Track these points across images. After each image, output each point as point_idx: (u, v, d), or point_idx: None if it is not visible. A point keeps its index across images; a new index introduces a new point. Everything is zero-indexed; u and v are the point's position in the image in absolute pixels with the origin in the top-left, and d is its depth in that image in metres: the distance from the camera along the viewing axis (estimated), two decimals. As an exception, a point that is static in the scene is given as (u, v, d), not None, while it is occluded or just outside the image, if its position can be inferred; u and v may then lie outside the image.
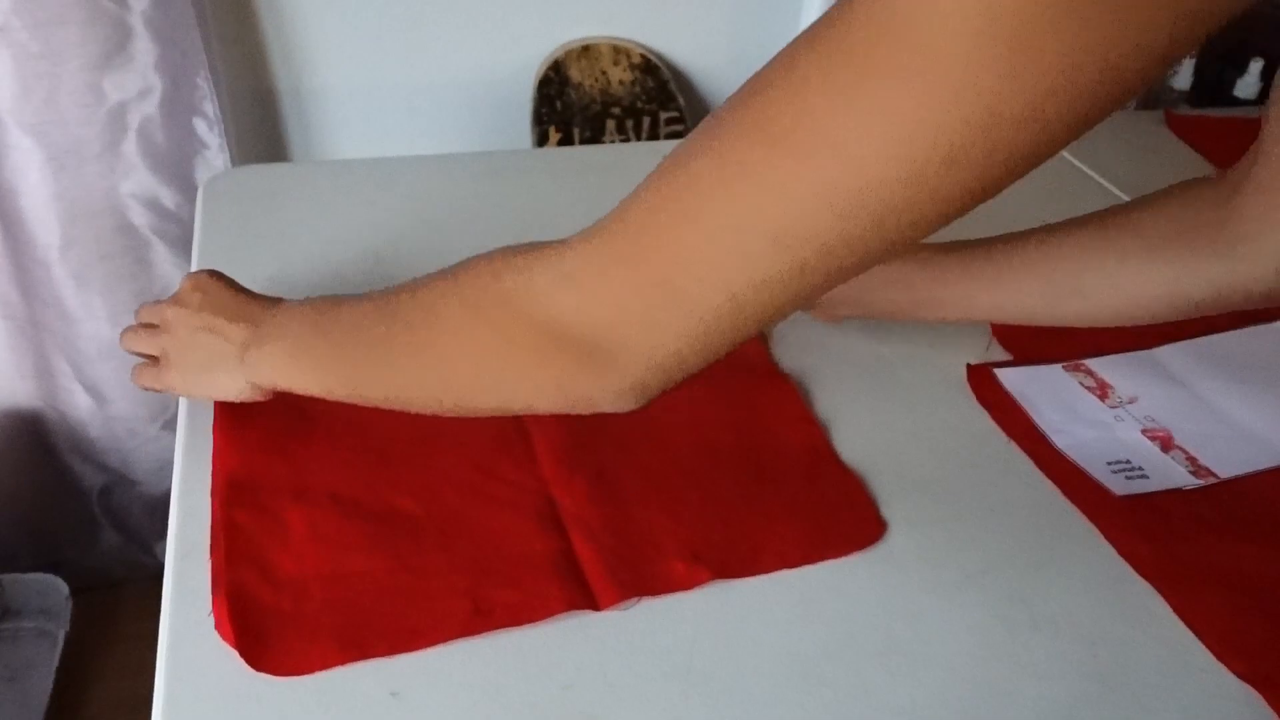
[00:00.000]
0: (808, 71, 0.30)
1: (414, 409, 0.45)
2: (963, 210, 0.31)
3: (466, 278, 0.42)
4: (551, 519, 0.51)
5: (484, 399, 0.42)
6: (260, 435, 0.54)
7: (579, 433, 0.56)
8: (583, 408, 0.40)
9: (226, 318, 0.52)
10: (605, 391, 0.38)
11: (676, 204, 0.33)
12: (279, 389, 0.50)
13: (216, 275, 0.55)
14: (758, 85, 0.32)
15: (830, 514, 0.54)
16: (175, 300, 0.54)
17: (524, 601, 0.47)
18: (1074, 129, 0.28)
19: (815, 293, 0.34)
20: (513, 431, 0.56)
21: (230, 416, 0.55)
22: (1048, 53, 0.26)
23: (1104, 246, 0.54)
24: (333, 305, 0.49)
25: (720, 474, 0.55)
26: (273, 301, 0.53)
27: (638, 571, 0.49)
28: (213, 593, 0.46)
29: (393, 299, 0.45)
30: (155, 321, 0.56)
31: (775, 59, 0.32)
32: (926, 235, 0.32)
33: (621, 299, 0.36)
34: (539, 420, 0.56)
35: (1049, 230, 0.56)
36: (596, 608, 0.48)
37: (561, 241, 0.38)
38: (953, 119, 0.27)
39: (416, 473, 0.53)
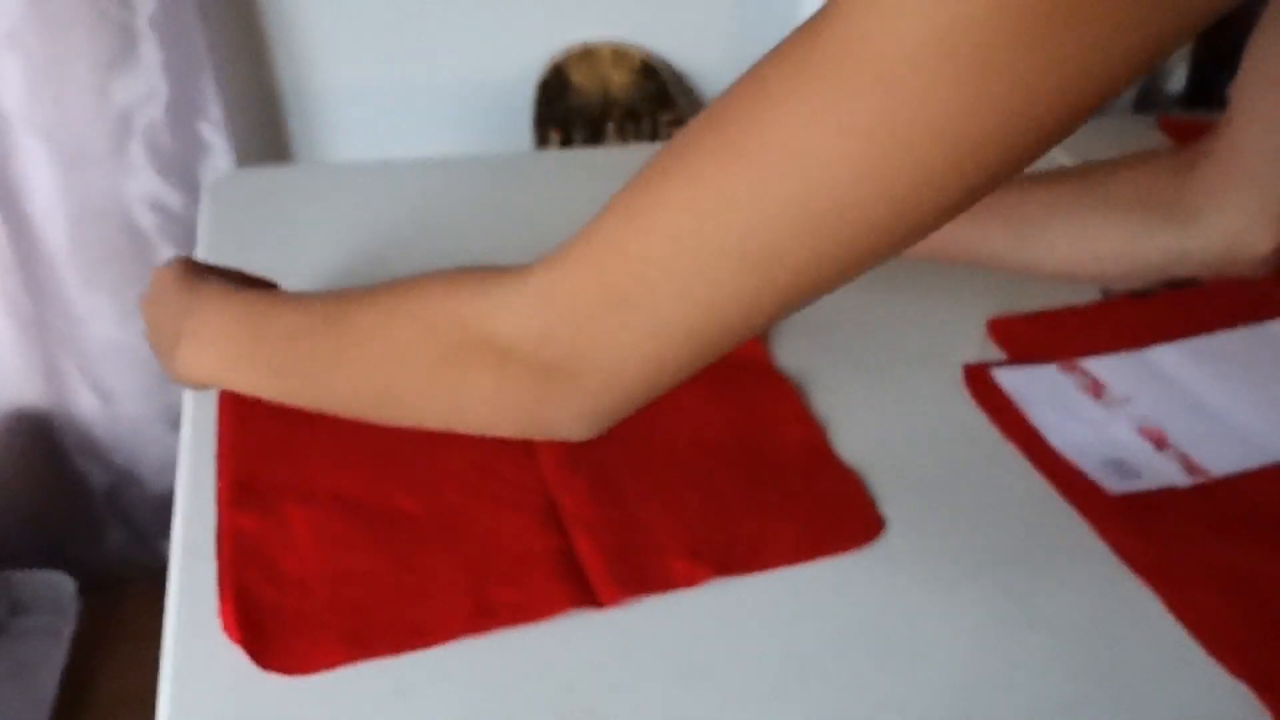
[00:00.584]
0: (774, 87, 0.30)
1: (356, 418, 0.46)
2: (938, 224, 0.30)
3: (421, 296, 0.41)
4: (552, 518, 0.52)
5: (435, 419, 0.42)
6: (264, 435, 0.55)
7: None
8: (541, 432, 0.39)
9: (165, 312, 0.51)
10: (564, 414, 0.37)
11: (641, 220, 0.32)
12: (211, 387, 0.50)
13: (182, 262, 0.54)
14: (725, 101, 0.31)
15: (828, 511, 0.54)
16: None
17: (527, 600, 0.48)
18: (1041, 145, 0.28)
19: (789, 310, 0.33)
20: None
21: (234, 416, 0.55)
22: (1008, 73, 0.26)
23: (1072, 201, 0.55)
24: (268, 305, 0.47)
25: (720, 473, 0.56)
26: (222, 291, 0.51)
27: (639, 569, 0.50)
28: (219, 593, 0.46)
29: (338, 309, 0.44)
30: None
31: (743, 75, 0.32)
32: (903, 250, 0.31)
33: (583, 318, 0.34)
34: None
35: (1025, 178, 0.57)
36: (599, 605, 0.48)
37: (521, 265, 0.38)
38: (918, 137, 0.27)
39: (418, 472, 0.54)
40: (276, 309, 0.47)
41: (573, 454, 0.55)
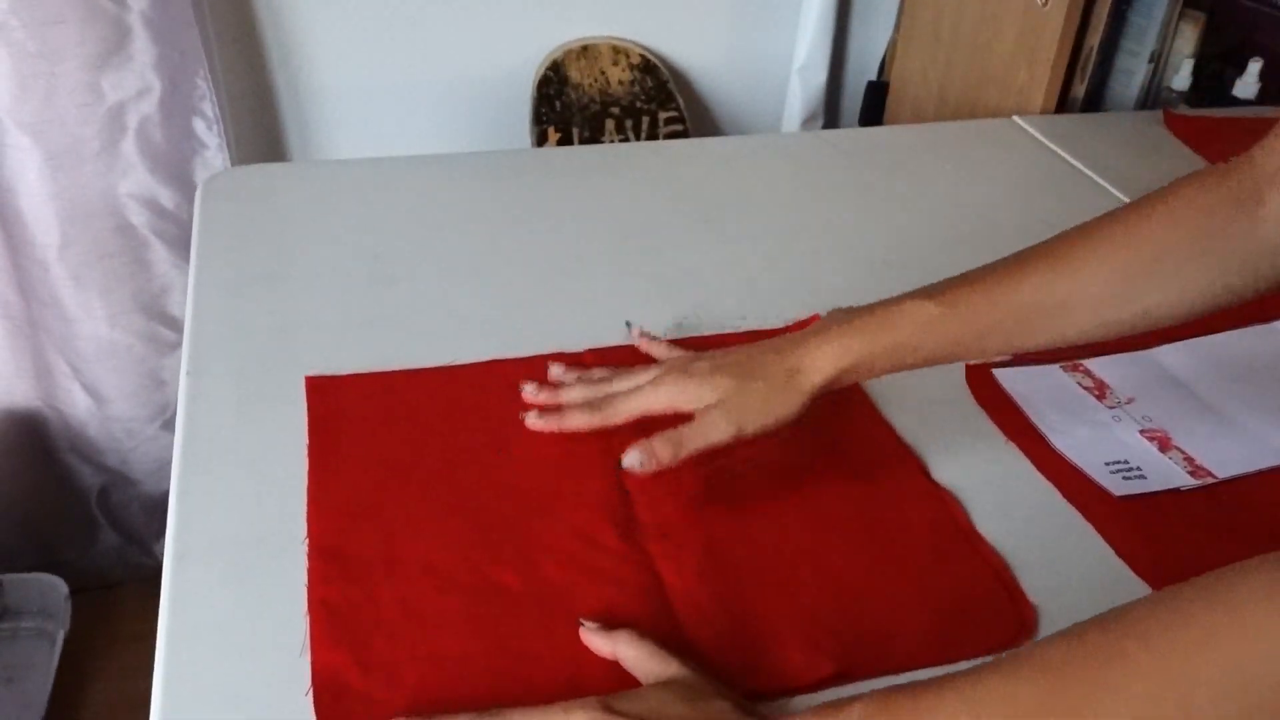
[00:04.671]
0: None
1: None
2: None
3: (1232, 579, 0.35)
4: (659, 598, 0.48)
5: None
6: (351, 497, 0.52)
7: (684, 500, 0.53)
8: None
9: None
10: None
11: None
12: None
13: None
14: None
15: (970, 601, 0.49)
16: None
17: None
18: None
19: None
20: (615, 495, 0.53)
21: (322, 479, 0.53)
22: None
23: (1114, 270, 0.51)
24: (911, 698, 0.37)
25: (841, 552, 0.51)
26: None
27: (752, 662, 0.45)
28: (312, 674, 0.44)
29: (1073, 639, 0.36)
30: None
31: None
32: None
33: None
34: (641, 484, 0.54)
35: (1036, 260, 0.53)
36: None
37: None
38: None
39: (513, 540, 0.51)
40: (931, 697, 0.37)
41: (679, 525, 0.52)
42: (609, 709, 0.41)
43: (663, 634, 0.46)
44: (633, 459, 0.51)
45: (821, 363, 0.52)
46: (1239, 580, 0.33)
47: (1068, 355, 0.67)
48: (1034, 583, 0.51)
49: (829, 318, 0.55)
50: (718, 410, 0.51)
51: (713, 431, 0.51)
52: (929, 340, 0.52)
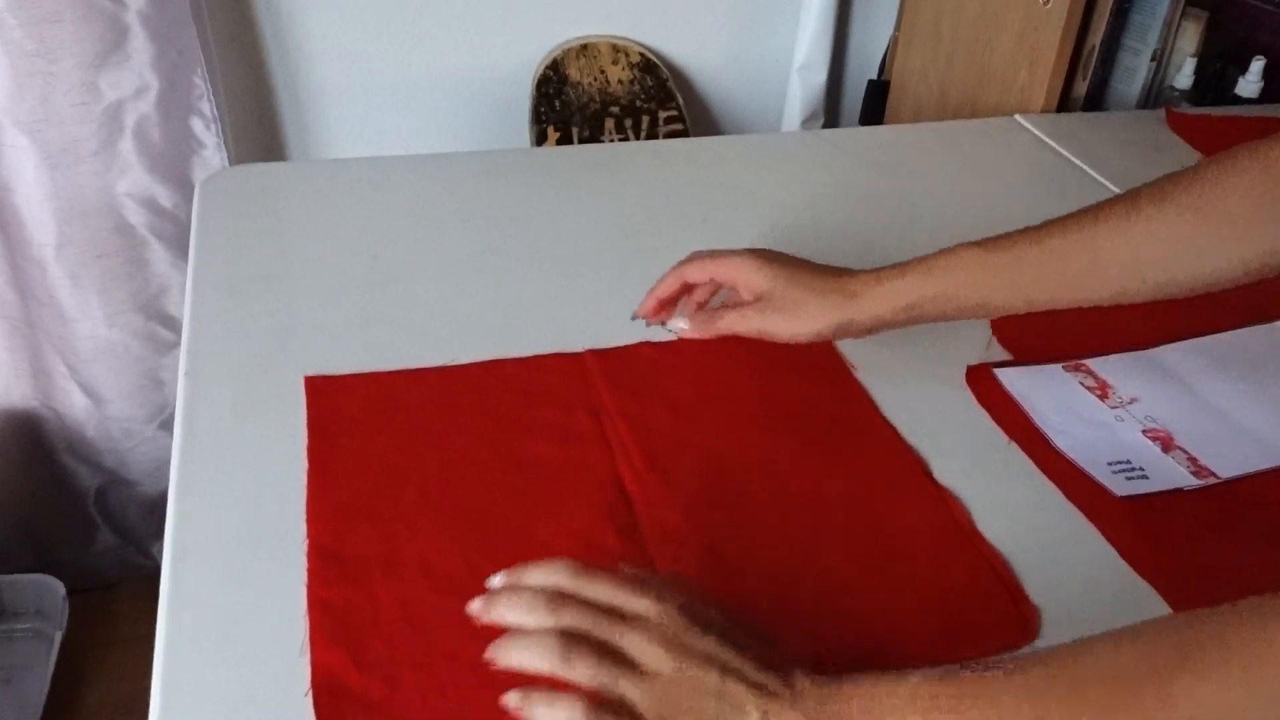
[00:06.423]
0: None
1: None
2: None
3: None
4: None
5: None
6: (351, 498, 0.52)
7: (685, 503, 0.53)
8: None
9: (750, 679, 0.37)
10: None
11: None
12: None
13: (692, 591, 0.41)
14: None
15: (971, 605, 0.48)
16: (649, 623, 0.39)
17: None
18: None
19: None
20: (615, 497, 0.53)
21: (322, 480, 0.53)
22: None
23: (1180, 233, 0.52)
24: (957, 684, 0.36)
25: (842, 553, 0.51)
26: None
27: None
28: (311, 675, 0.44)
29: (1139, 642, 0.36)
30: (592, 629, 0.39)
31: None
32: None
33: None
34: (642, 486, 0.54)
35: (1106, 219, 0.54)
36: None
37: None
38: None
39: (513, 541, 0.51)
40: (978, 684, 0.36)
41: (679, 527, 0.52)
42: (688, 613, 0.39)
43: None
44: (679, 324, 0.62)
45: (880, 296, 0.58)
46: None
47: (1070, 355, 0.66)
48: (1036, 584, 0.51)
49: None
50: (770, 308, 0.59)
51: (760, 322, 0.59)
52: (980, 286, 0.56)
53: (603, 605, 0.40)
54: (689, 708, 0.38)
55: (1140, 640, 0.36)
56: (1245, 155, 0.53)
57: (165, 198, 1.10)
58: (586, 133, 1.25)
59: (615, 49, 1.28)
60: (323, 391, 0.59)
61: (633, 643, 0.39)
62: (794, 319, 0.59)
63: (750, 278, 0.60)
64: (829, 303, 0.58)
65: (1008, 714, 0.35)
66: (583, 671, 0.38)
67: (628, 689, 0.38)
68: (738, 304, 0.61)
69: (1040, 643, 0.48)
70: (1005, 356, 0.66)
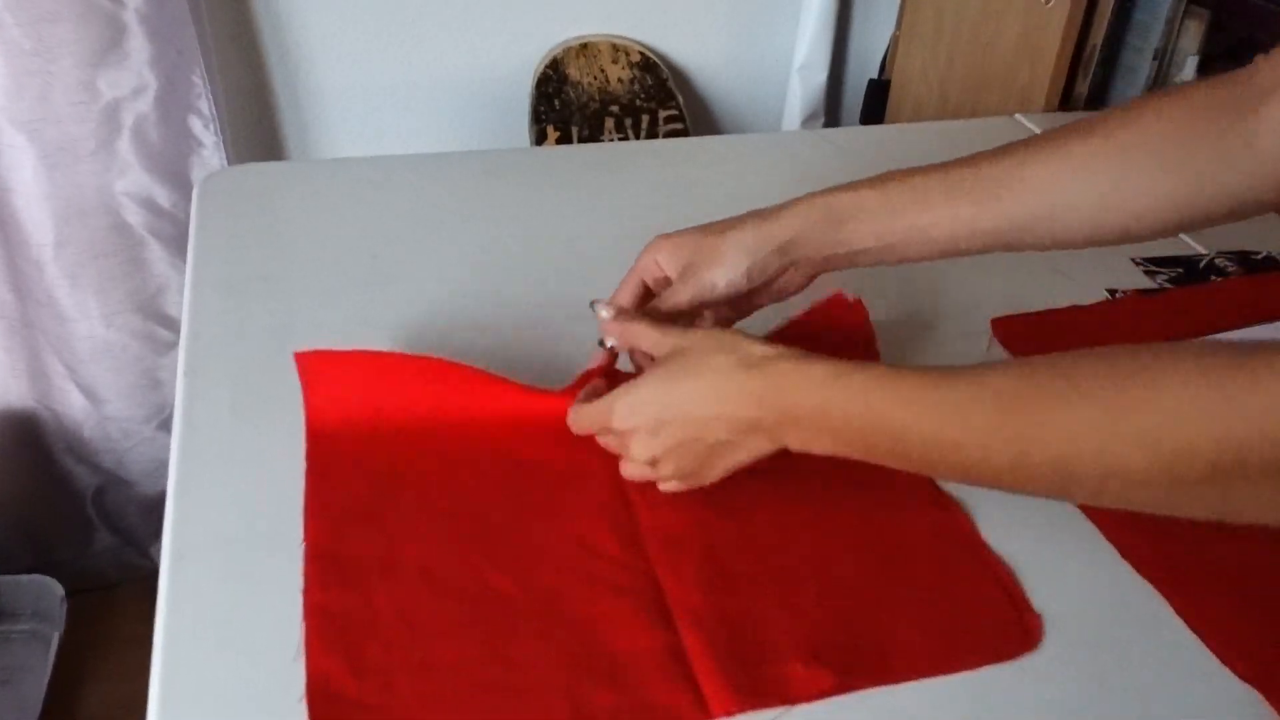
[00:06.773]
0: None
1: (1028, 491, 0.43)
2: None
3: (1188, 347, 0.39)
4: (658, 606, 0.47)
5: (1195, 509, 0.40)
6: (348, 501, 0.52)
7: (685, 506, 0.52)
8: None
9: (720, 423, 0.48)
10: None
11: None
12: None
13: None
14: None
15: (975, 613, 0.48)
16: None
17: (630, 706, 0.43)
18: None
19: None
20: (615, 502, 0.53)
21: (320, 481, 0.52)
22: None
23: (1109, 162, 0.51)
24: (882, 380, 0.45)
25: (844, 560, 0.51)
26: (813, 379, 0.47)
27: (754, 675, 0.45)
28: (306, 680, 0.44)
29: (1025, 373, 0.42)
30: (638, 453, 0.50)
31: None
32: None
33: None
34: (642, 490, 0.53)
35: (1037, 147, 0.54)
36: (709, 717, 0.43)
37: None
38: None
39: (512, 545, 0.50)
40: (895, 381, 0.45)
41: (679, 531, 0.51)
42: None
43: (662, 647, 0.46)
44: (601, 311, 0.57)
45: (796, 208, 0.57)
46: (1170, 362, 0.38)
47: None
48: (1038, 587, 0.51)
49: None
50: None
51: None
52: (909, 205, 0.57)
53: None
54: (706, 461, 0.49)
55: (1025, 372, 0.42)
56: (1181, 87, 0.52)
57: (164, 197, 1.10)
58: (586, 132, 1.25)
59: (615, 48, 1.28)
60: (315, 369, 0.57)
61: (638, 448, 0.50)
62: (719, 262, 0.56)
63: (666, 256, 0.57)
64: (745, 227, 0.57)
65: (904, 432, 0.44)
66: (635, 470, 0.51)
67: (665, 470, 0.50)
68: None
69: (1042, 650, 0.48)
70: (1005, 356, 0.66)
